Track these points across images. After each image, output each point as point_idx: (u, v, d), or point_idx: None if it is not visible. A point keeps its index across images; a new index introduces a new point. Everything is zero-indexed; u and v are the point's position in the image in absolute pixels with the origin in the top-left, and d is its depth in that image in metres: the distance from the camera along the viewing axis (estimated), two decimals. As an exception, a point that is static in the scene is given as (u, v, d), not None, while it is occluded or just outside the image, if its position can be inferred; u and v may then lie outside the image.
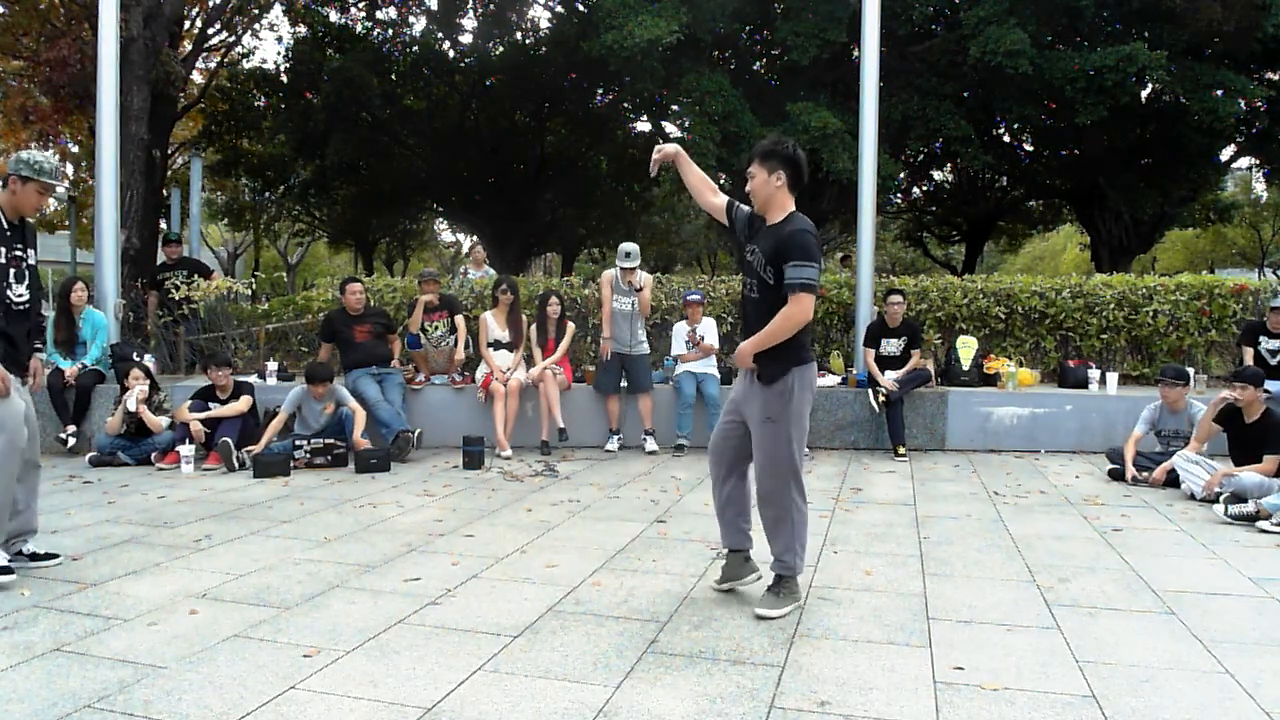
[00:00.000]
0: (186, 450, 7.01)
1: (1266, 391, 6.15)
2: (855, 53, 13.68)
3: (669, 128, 19.64)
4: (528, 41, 20.22)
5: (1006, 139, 18.77)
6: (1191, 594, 3.97)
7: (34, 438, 4.27)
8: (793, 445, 3.63)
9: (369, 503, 5.87)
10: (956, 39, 14.16)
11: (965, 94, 15.79)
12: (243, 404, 7.44)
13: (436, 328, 8.37)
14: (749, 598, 3.85)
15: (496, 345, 8.12)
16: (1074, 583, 4.12)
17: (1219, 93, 13.58)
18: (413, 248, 34.76)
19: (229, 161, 21.58)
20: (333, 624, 3.53)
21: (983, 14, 13.30)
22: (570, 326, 8.33)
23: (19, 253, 4.22)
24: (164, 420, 7.41)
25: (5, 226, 4.19)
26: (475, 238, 23.96)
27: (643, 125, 22.06)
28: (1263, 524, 5.16)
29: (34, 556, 4.32)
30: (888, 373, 7.88)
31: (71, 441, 7.65)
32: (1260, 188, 29.85)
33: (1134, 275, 9.20)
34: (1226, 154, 17.84)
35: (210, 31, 19.11)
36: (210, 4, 18.50)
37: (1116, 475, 6.63)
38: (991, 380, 8.38)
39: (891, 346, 7.98)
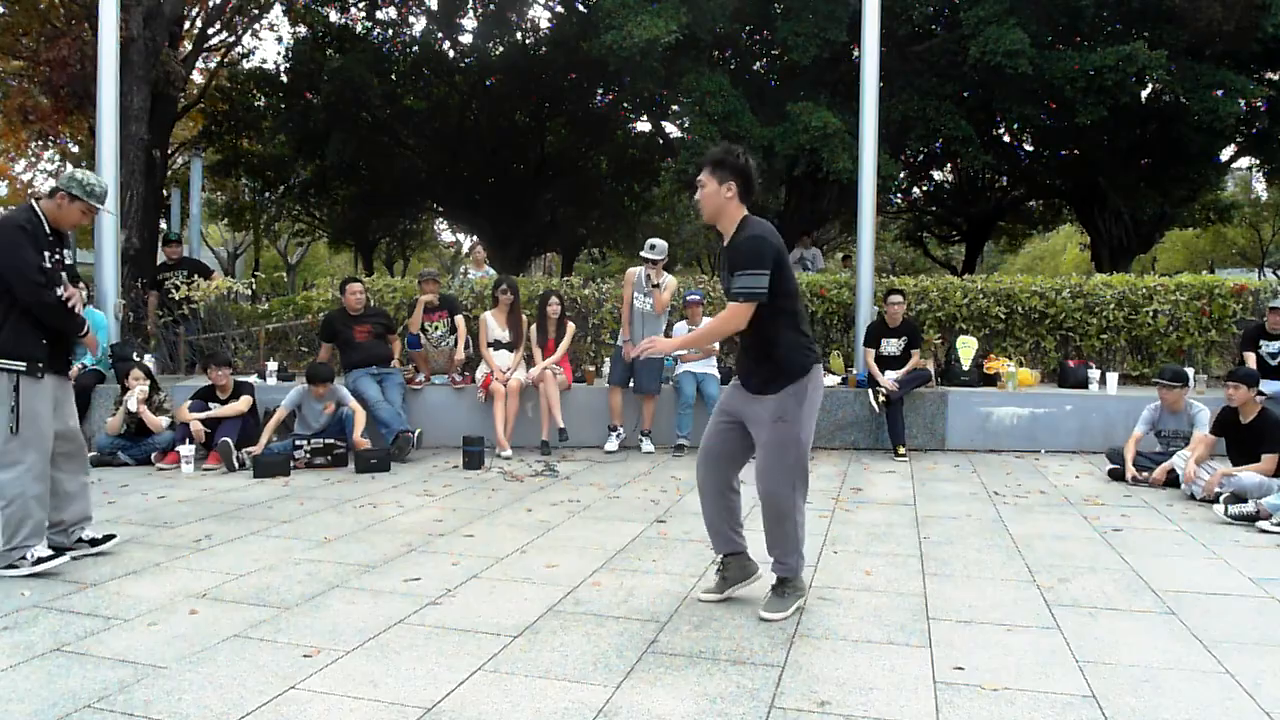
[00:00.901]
0: (186, 450, 7.01)
1: (1262, 393, 6.16)
2: (855, 52, 13.67)
3: (669, 128, 19.67)
4: (528, 42, 20.23)
5: (1006, 139, 18.77)
6: (1191, 594, 3.97)
7: (77, 430, 4.51)
8: (802, 446, 3.60)
9: (369, 503, 5.87)
10: (956, 39, 14.16)
11: (965, 94, 15.78)
12: (243, 404, 7.43)
13: (436, 328, 8.37)
14: (749, 598, 3.85)
15: (497, 345, 8.12)
16: (1074, 583, 4.12)
17: (1219, 93, 13.58)
18: (413, 248, 34.74)
19: (229, 161, 21.59)
20: (333, 624, 3.53)
21: (983, 14, 13.30)
22: (570, 326, 8.33)
23: (60, 257, 4.36)
24: (164, 420, 7.42)
25: (49, 234, 4.32)
26: (475, 238, 23.96)
27: (643, 125, 22.08)
28: (1263, 524, 5.16)
29: (93, 541, 4.50)
30: (888, 373, 7.88)
31: (71, 441, 7.64)
32: (1260, 188, 29.86)
33: (1134, 275, 9.20)
34: (1226, 154, 17.84)
35: (210, 31, 19.12)
36: (210, 4, 18.51)
37: (1117, 475, 6.64)
38: (991, 380, 8.38)
39: (891, 346, 7.98)
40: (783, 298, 3.52)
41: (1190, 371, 7.62)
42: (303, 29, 19.83)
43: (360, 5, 19.82)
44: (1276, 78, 14.90)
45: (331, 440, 7.20)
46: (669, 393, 8.15)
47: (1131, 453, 6.60)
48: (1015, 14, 13.26)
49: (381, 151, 20.55)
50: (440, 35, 20.34)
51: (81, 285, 4.53)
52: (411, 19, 20.55)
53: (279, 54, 25.41)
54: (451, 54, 20.67)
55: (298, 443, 7.14)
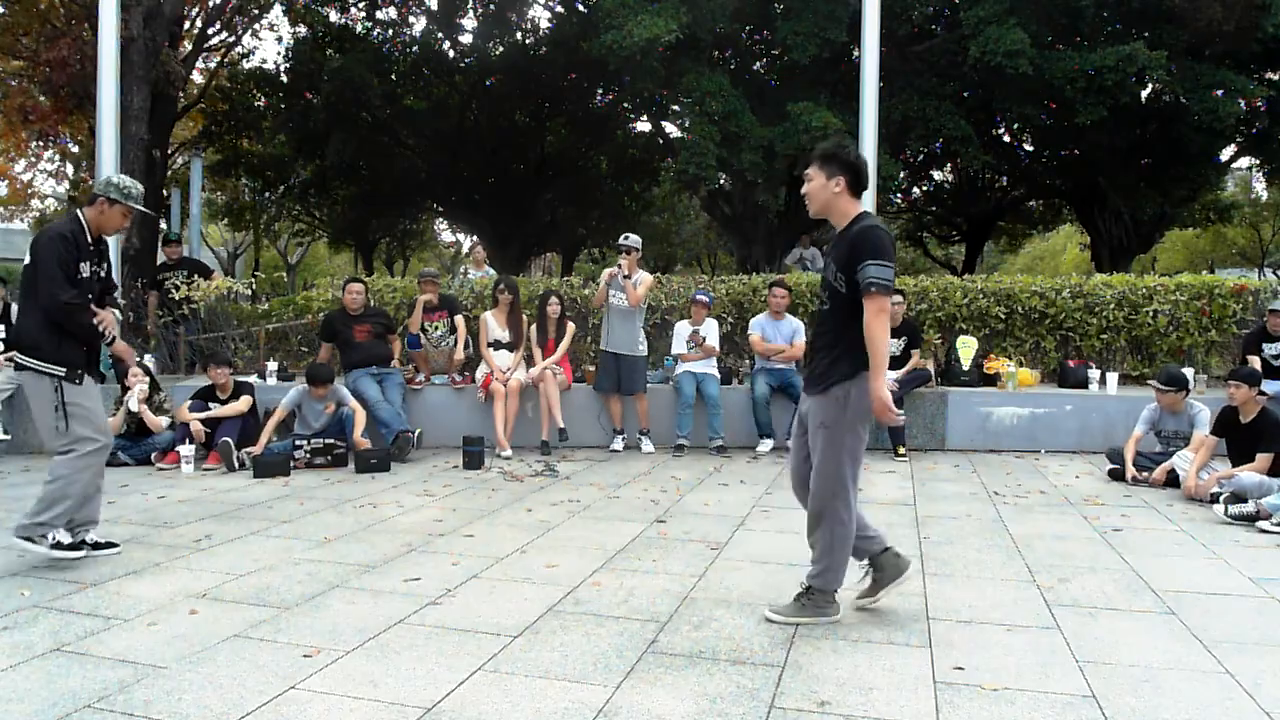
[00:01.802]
0: (186, 450, 7.01)
1: (1264, 393, 6.16)
2: (855, 52, 13.68)
3: (669, 128, 19.66)
4: (528, 41, 20.23)
5: (1006, 139, 18.79)
6: (1192, 594, 3.97)
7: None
8: (843, 455, 3.48)
9: (369, 503, 5.86)
10: (956, 39, 14.17)
11: (965, 94, 15.80)
12: (243, 404, 7.43)
13: (436, 328, 8.36)
14: (749, 598, 3.85)
15: (497, 345, 8.12)
16: (1074, 583, 4.12)
17: (1219, 93, 13.60)
18: (413, 248, 34.76)
19: (229, 161, 21.59)
20: (333, 624, 3.53)
21: (983, 14, 13.31)
22: (570, 326, 8.33)
23: (98, 269, 4.47)
24: (164, 420, 7.42)
25: (90, 244, 4.41)
26: (475, 238, 23.98)
27: (643, 125, 22.10)
28: (1263, 524, 5.16)
29: (95, 545, 4.51)
30: (887, 373, 7.86)
31: (72, 441, 7.64)
32: (1260, 187, 29.86)
33: (1134, 275, 9.20)
34: (1226, 154, 17.86)
35: (210, 31, 19.10)
36: (210, 4, 18.50)
37: (1117, 475, 6.63)
38: (991, 380, 8.38)
39: (891, 347, 7.98)
40: None
41: (1190, 372, 7.61)
42: (303, 29, 19.84)
43: (360, 5, 19.83)
44: (1276, 78, 14.92)
45: (331, 440, 7.20)
46: (669, 393, 8.15)
47: (1131, 453, 6.60)
48: (1015, 14, 13.28)
49: (381, 151, 20.56)
50: (440, 35, 20.34)
51: (113, 310, 4.60)
52: (411, 19, 20.57)
53: (279, 54, 25.45)
54: (451, 54, 20.68)
55: (298, 443, 7.14)
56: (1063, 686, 2.98)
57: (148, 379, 7.46)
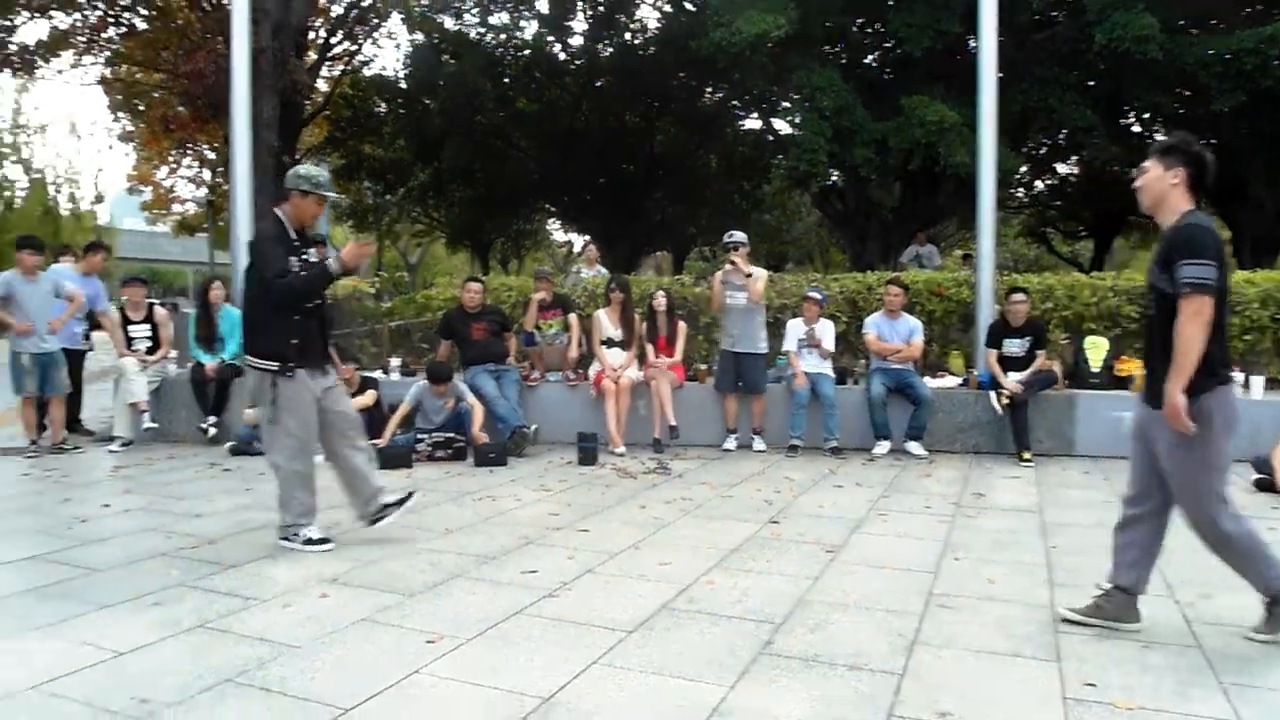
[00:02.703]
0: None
1: None
2: (971, 43, 13.28)
3: (779, 124, 19.49)
4: (636, 42, 20.36)
5: (1136, 129, 17.91)
6: (1348, 612, 3.70)
7: (353, 426, 4.89)
8: (1211, 472, 3.29)
9: (487, 496, 6.01)
10: (1080, 25, 13.58)
11: (1091, 83, 15.14)
12: (368, 398, 7.72)
13: (550, 326, 8.50)
14: (867, 601, 3.78)
15: (609, 343, 8.20)
16: (1216, 599, 3.89)
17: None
18: (527, 247, 35.41)
19: (352, 166, 22.43)
20: (454, 612, 3.63)
21: (1108, -1, 12.73)
22: (682, 325, 8.34)
23: (306, 258, 4.63)
24: (294, 413, 7.75)
25: (293, 238, 4.62)
26: (587, 237, 24.26)
27: (752, 122, 21.96)
28: None
29: (399, 503, 4.90)
30: (1011, 374, 7.62)
31: (212, 432, 8.08)
32: None
33: (1280, 271, 8.64)
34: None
35: (333, 41, 19.89)
36: (333, 14, 19.26)
37: (1264, 485, 6.24)
38: (1123, 383, 7.99)
39: (1015, 347, 7.71)
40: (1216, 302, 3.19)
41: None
42: (420, 36, 20.44)
43: (474, 11, 20.30)
44: None
45: (451, 434, 7.41)
46: (781, 392, 8.08)
47: None
48: (1144, -3, 12.65)
49: (495, 154, 21.02)
50: (551, 38, 20.66)
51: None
52: (523, 23, 20.96)
53: (398, 61, 26.29)
54: (562, 56, 20.99)
55: (419, 436, 7.38)
56: (1204, 709, 2.82)
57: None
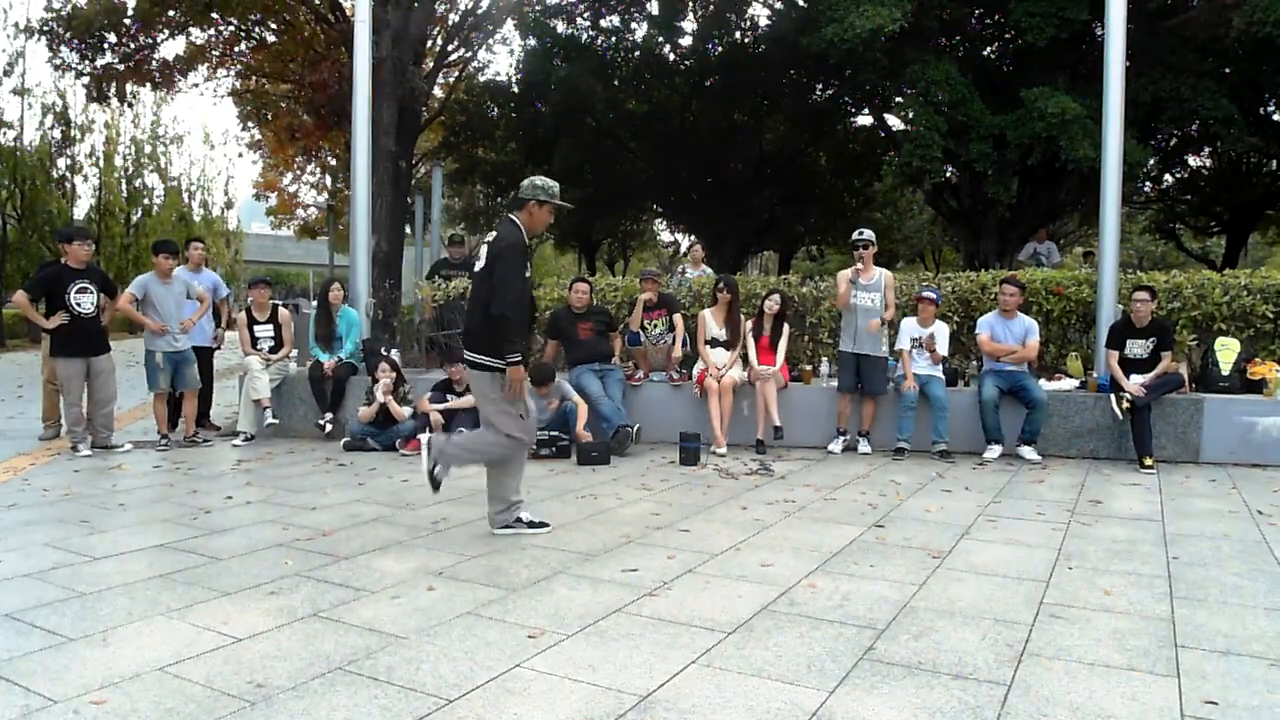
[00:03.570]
0: (427, 438, 7.53)
1: None
2: (1098, 31, 12.72)
3: (891, 120, 19.10)
4: (746, 40, 20.26)
5: (1277, 118, 16.84)
6: None
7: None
8: None
9: (590, 494, 6.08)
10: (1217, 10, 12.84)
11: (1227, 70, 14.30)
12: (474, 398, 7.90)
13: (655, 325, 8.54)
14: (975, 610, 3.68)
15: (714, 343, 8.19)
16: (1358, 617, 3.64)
17: None
18: (633, 248, 35.68)
19: (466, 169, 23.02)
20: (555, 608, 3.69)
21: (1250, -19, 12.01)
22: (786, 327, 8.26)
23: (531, 271, 4.86)
24: (407, 410, 8.02)
25: (526, 245, 4.79)
26: (693, 237, 24.29)
27: (864, 119, 21.59)
28: None
29: (530, 524, 4.97)
30: (1133, 376, 7.28)
31: (329, 428, 8.43)
32: None
33: None
34: None
35: (449, 48, 20.45)
36: (450, 22, 19.80)
37: None
38: (1256, 387, 7.53)
39: (1138, 348, 7.36)
40: None
41: None
42: (532, 41, 20.82)
43: (585, 15, 20.54)
44: None
45: (556, 433, 7.53)
46: (890, 393, 7.91)
47: None
48: (1290, -22, 11.88)
49: (605, 155, 21.24)
50: (661, 39, 20.74)
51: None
52: (634, 25, 21.11)
53: (510, 66, 26.84)
54: (671, 57, 21.06)
55: (524, 434, 7.52)
56: (1342, 732, 2.64)
57: (394, 373, 8.09)
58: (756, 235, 24.08)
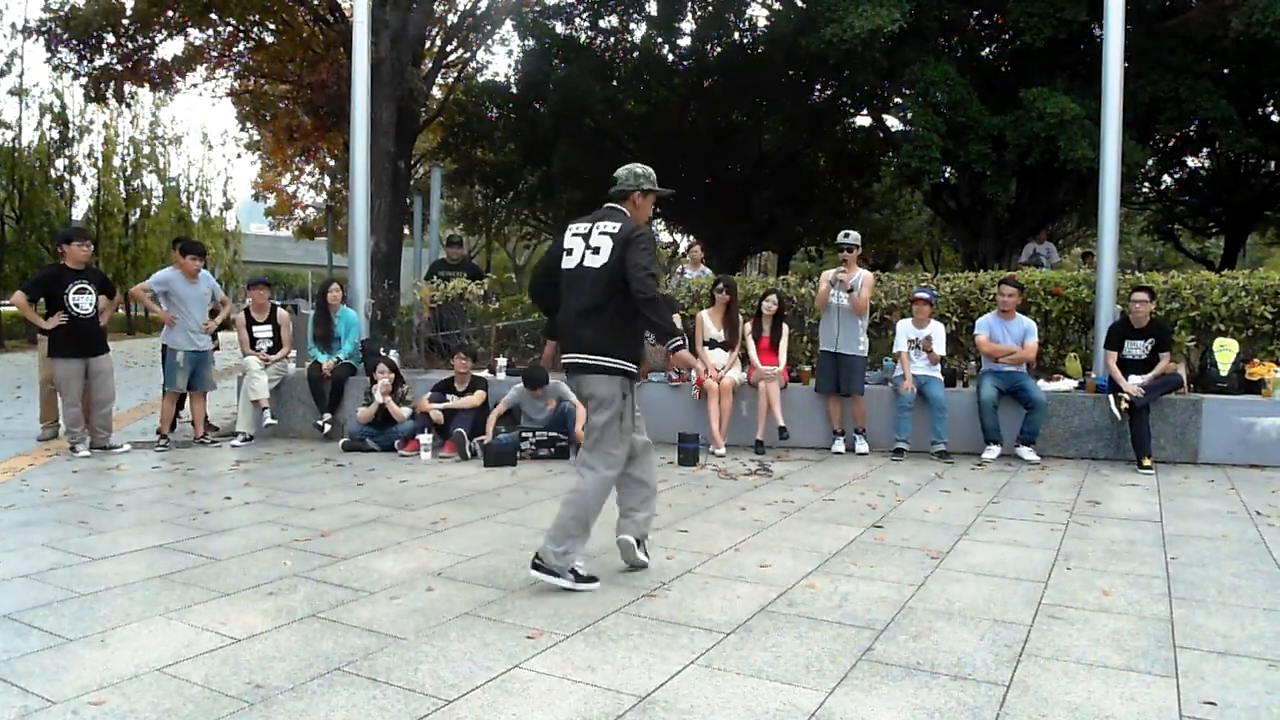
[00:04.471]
0: (426, 439, 7.56)
1: None
2: (1096, 31, 12.73)
3: (890, 121, 19.11)
4: (745, 41, 20.26)
5: (1276, 119, 16.85)
6: None
7: (640, 448, 4.36)
8: None
9: (588, 495, 6.07)
10: (1216, 10, 12.85)
11: (1225, 71, 14.31)
12: (476, 398, 7.92)
13: (654, 326, 8.52)
14: (973, 610, 3.68)
15: (712, 344, 8.19)
16: (1356, 617, 3.64)
17: None
18: (632, 248, 35.58)
19: (464, 170, 22.99)
20: (554, 609, 3.69)
21: (1248, -18, 12.01)
22: (785, 328, 8.26)
23: None
24: (406, 411, 8.02)
25: None
26: (692, 238, 24.28)
27: (862, 119, 21.59)
28: None
29: (580, 578, 4.00)
30: (1132, 377, 7.29)
31: (327, 428, 8.43)
32: None
33: None
34: None
35: (448, 49, 20.44)
36: (449, 23, 19.79)
37: None
38: (1255, 387, 7.54)
39: (1137, 349, 7.37)
40: None
41: None
42: (531, 42, 20.81)
43: (584, 16, 20.54)
44: None
45: (555, 433, 7.53)
46: (888, 394, 7.91)
47: None
48: (1287, -21, 11.89)
49: (604, 156, 21.20)
50: (660, 40, 20.74)
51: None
52: (632, 25, 21.11)
53: (509, 67, 26.87)
54: (670, 57, 21.05)
55: (524, 435, 7.53)
56: (1340, 733, 2.64)
57: (393, 373, 8.09)
58: (755, 236, 24.07)
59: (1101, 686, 2.96)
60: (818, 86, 20.14)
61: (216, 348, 9.42)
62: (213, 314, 8.63)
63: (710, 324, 8.22)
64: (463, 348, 8.32)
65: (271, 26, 18.25)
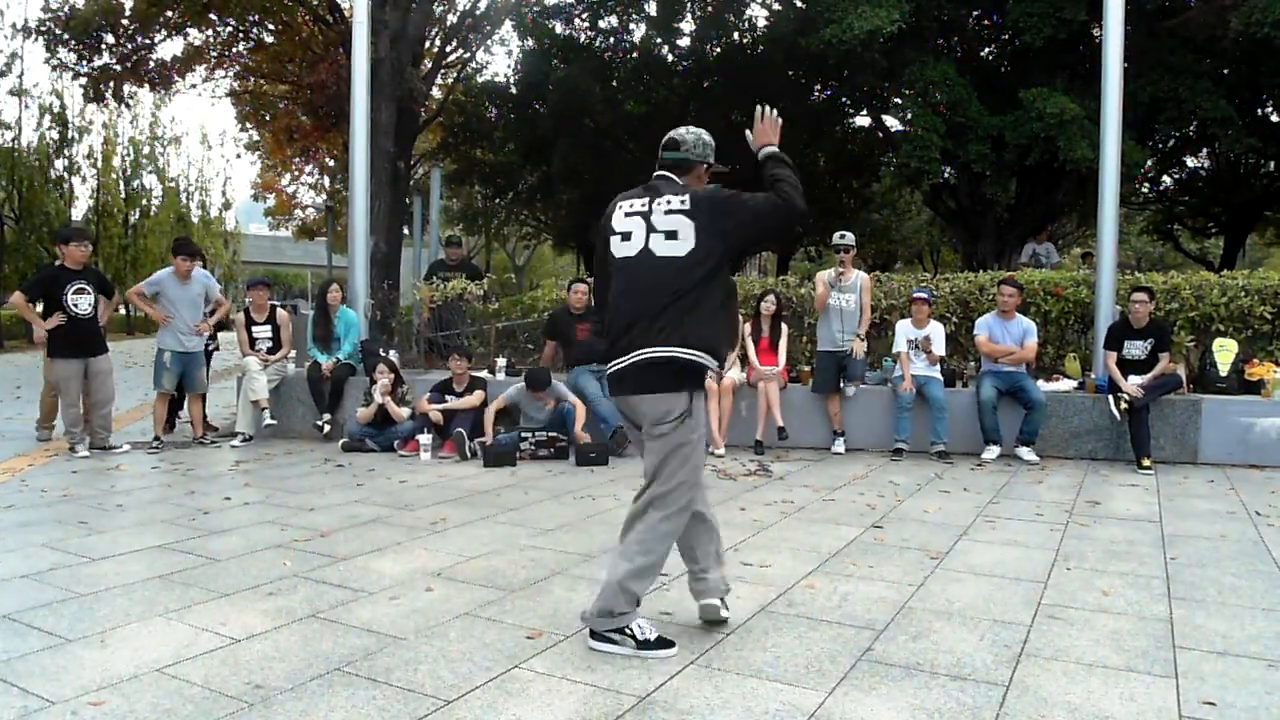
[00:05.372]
0: (425, 439, 7.56)
1: None
2: (1096, 32, 12.74)
3: (890, 121, 19.12)
4: (745, 41, 20.26)
5: (1276, 119, 16.86)
6: None
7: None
8: None
9: (588, 494, 6.08)
10: (1215, 10, 12.86)
11: (1225, 71, 14.32)
12: (475, 399, 7.91)
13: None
14: (973, 610, 3.68)
15: (711, 344, 8.18)
16: (1356, 617, 3.64)
17: None
18: (631, 248, 35.59)
19: (464, 170, 23.00)
20: (554, 609, 3.69)
21: (1247, -19, 12.02)
22: (784, 328, 8.27)
23: None
24: (406, 411, 8.02)
25: None
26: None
27: (862, 120, 21.60)
28: None
29: (641, 643, 3.19)
30: (1131, 377, 7.29)
31: (327, 429, 8.42)
32: None
33: None
34: None
35: (448, 49, 20.44)
36: (448, 23, 19.79)
37: None
38: (1254, 388, 7.55)
39: (1136, 349, 7.37)
40: None
41: None
42: (531, 42, 20.82)
43: (584, 16, 20.54)
44: None
45: (554, 434, 7.53)
46: (887, 394, 7.92)
47: None
48: (1288, -21, 11.90)
49: (604, 156, 21.24)
50: (659, 40, 20.74)
51: None
52: (632, 26, 21.11)
53: (509, 67, 26.88)
54: (670, 58, 21.06)
55: (523, 435, 7.53)
56: (1340, 733, 2.64)
57: (392, 373, 8.09)
58: (755, 236, 24.07)
59: (1101, 686, 2.96)
60: (817, 87, 20.15)
61: (216, 348, 9.43)
62: (210, 314, 8.65)
63: (710, 324, 8.21)
64: (459, 348, 8.32)
65: (271, 27, 18.26)
